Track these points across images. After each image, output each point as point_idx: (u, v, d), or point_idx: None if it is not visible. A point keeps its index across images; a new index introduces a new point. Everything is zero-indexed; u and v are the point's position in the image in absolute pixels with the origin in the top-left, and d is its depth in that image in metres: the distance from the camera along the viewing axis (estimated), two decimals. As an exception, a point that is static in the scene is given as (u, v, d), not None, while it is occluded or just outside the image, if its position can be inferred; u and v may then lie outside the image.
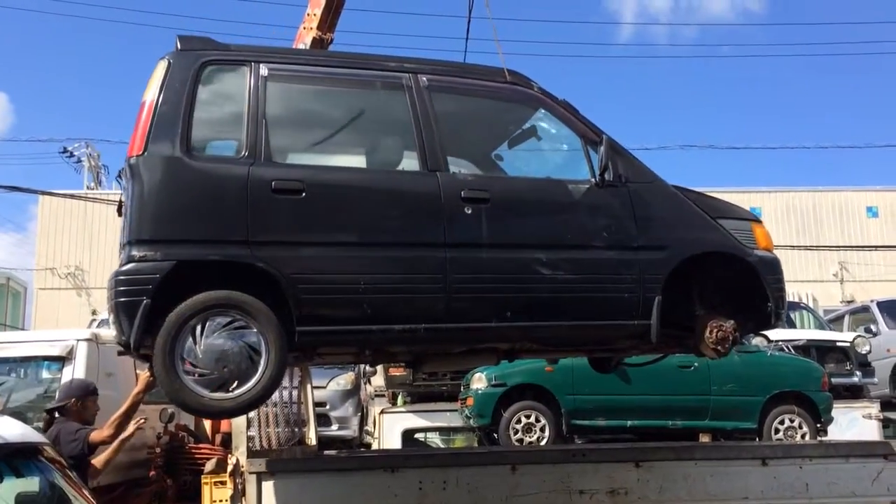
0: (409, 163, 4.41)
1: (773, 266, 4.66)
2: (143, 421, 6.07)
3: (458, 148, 4.68)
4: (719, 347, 4.44)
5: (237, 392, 3.81)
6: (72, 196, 20.97)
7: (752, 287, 4.57)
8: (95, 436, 5.44)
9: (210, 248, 3.87)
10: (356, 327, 4.04)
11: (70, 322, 16.79)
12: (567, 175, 4.56)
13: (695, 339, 4.52)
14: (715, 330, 4.43)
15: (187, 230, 3.87)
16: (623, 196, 4.41)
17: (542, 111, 4.65)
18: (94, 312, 17.22)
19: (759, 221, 4.88)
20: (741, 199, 19.77)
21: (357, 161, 4.79)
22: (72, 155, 25.64)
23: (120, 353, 4.10)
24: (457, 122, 4.67)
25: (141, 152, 3.92)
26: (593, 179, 4.39)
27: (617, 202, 4.40)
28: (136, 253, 3.79)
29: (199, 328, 3.79)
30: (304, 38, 7.27)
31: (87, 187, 24.42)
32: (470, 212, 4.16)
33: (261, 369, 3.82)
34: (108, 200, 18.22)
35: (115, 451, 5.83)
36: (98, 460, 5.72)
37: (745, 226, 4.70)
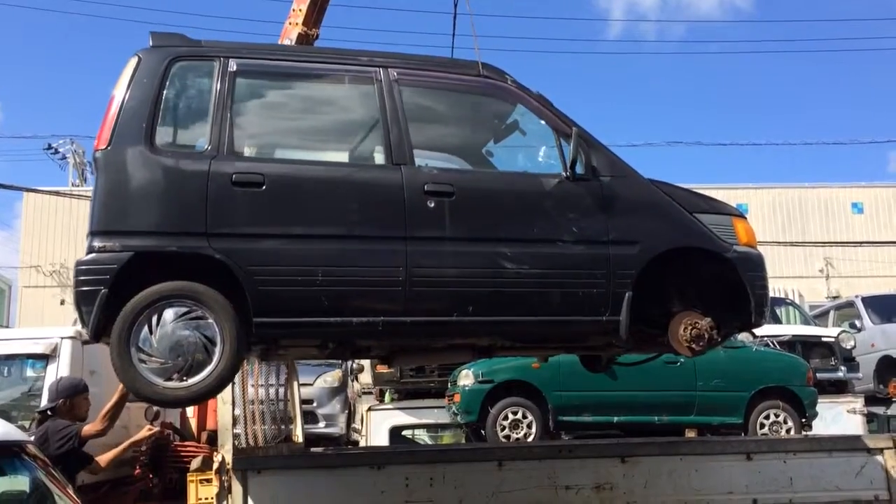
0: (376, 157, 4.42)
1: (754, 263, 4.55)
2: (156, 430, 6.12)
3: (427, 141, 4.68)
4: (693, 345, 4.36)
5: (191, 382, 3.86)
6: (56, 193, 20.84)
7: (732, 284, 4.47)
8: (88, 429, 5.45)
9: (168, 239, 3.94)
10: (313, 319, 4.05)
11: (55, 320, 16.65)
12: (541, 169, 4.54)
13: (669, 337, 4.44)
14: (689, 327, 4.36)
15: (146, 222, 3.94)
16: (594, 190, 4.36)
17: (516, 105, 4.61)
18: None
19: (740, 216, 4.76)
20: (728, 195, 19.78)
21: (324, 155, 4.79)
22: (56, 152, 25.43)
23: (84, 343, 4.09)
24: (426, 116, 4.68)
25: (106, 146, 4.02)
26: (565, 173, 4.35)
27: (587, 196, 4.35)
28: (96, 244, 3.88)
29: (155, 318, 3.85)
30: (290, 34, 7.24)
31: (72, 184, 24.20)
32: (433, 205, 4.15)
33: (216, 360, 3.87)
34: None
35: (123, 450, 5.90)
36: (103, 458, 5.77)
37: (724, 220, 4.59)
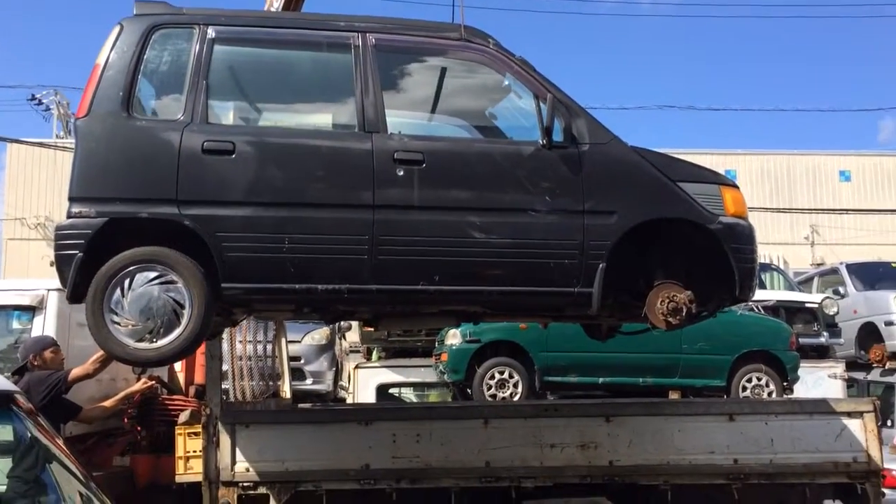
0: (349, 124, 4.40)
1: (741, 234, 4.38)
2: (152, 383, 6.18)
3: (405, 107, 4.68)
4: (670, 319, 4.25)
5: (159, 343, 4.01)
6: (41, 145, 20.54)
7: (717, 257, 4.34)
8: (77, 372, 5.49)
9: (141, 206, 4.07)
10: (279, 286, 4.13)
11: (40, 273, 16.54)
12: (523, 136, 4.47)
13: (646, 309, 4.34)
14: (666, 301, 4.25)
15: (121, 189, 4.07)
16: (572, 158, 4.26)
17: (497, 69, 4.50)
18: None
19: (730, 185, 4.58)
20: (718, 161, 19.88)
21: (299, 123, 4.78)
22: (40, 103, 24.98)
23: (71, 301, 4.17)
24: (404, 82, 4.66)
25: (85, 114, 4.13)
26: (542, 140, 4.25)
27: (564, 164, 4.26)
28: (73, 209, 4.02)
29: (127, 282, 3.99)
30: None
31: (57, 136, 23.85)
32: (402, 173, 4.15)
33: (184, 323, 4.01)
34: (78, 150, 17.87)
35: (118, 402, 5.97)
36: (98, 408, 5.84)
37: (712, 190, 4.43)
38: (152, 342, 3.99)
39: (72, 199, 4.04)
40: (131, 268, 4.00)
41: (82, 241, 3.96)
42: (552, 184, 4.25)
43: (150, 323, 3.98)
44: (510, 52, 4.47)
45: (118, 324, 3.98)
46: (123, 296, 3.97)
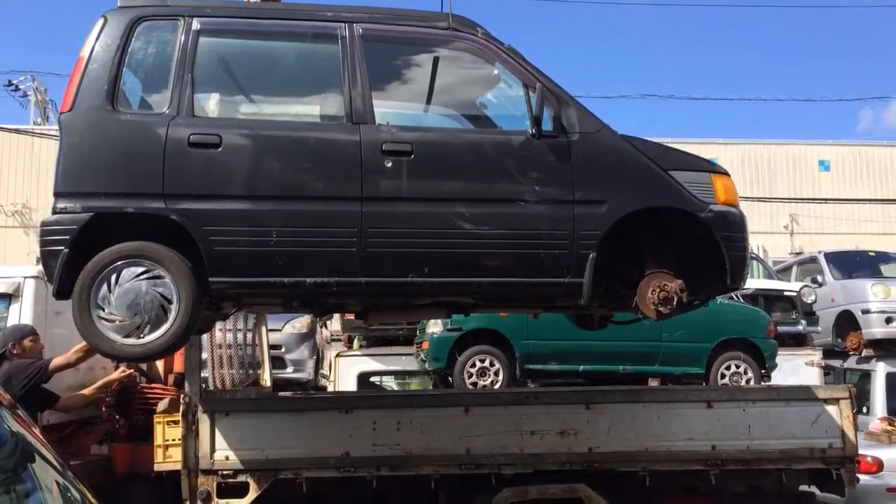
0: (337, 116, 4.36)
1: (732, 223, 4.38)
2: (131, 372, 6.14)
3: (393, 97, 4.64)
4: (661, 308, 4.25)
5: (147, 339, 3.97)
6: (17, 131, 20.27)
7: (708, 245, 4.33)
8: (58, 361, 5.46)
9: (127, 200, 4.02)
10: (267, 279, 4.10)
11: (17, 261, 16.37)
12: (512, 125, 4.45)
13: (637, 298, 4.34)
14: (657, 290, 4.24)
15: (106, 183, 4.03)
16: (561, 147, 4.24)
17: (485, 58, 4.46)
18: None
19: (721, 173, 4.54)
20: (698, 150, 19.72)
21: (286, 114, 4.73)
22: (17, 88, 24.64)
23: (57, 297, 4.13)
24: (391, 72, 4.62)
25: (69, 108, 4.08)
26: (531, 130, 4.23)
27: (553, 154, 4.23)
28: (59, 205, 3.99)
29: (114, 277, 3.95)
30: None
31: (34, 122, 23.53)
32: (390, 165, 4.12)
33: (171, 318, 3.97)
34: (55, 136, 17.65)
35: (97, 389, 5.93)
36: (76, 397, 5.81)
37: (703, 178, 4.42)
38: (140, 338, 3.96)
39: (57, 195, 4.00)
40: (118, 263, 3.95)
41: (68, 237, 3.92)
42: (542, 173, 4.22)
43: (137, 318, 3.95)
44: (499, 41, 4.43)
45: (105, 319, 3.94)
46: (110, 291, 3.93)
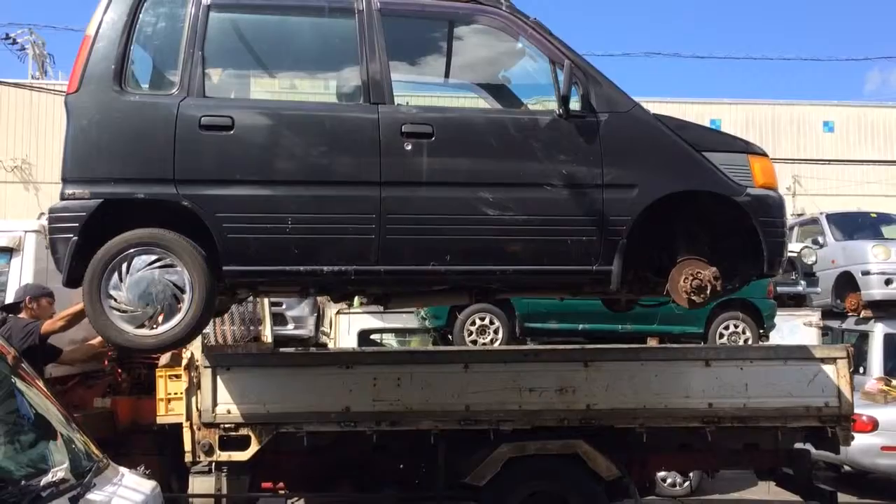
0: (354, 95, 4.21)
1: (770, 207, 4.15)
2: None
3: (413, 75, 4.49)
4: (694, 297, 4.07)
5: (160, 329, 3.85)
6: (16, 85, 20.07)
7: (744, 230, 4.15)
8: (48, 326, 5.46)
9: (137, 186, 3.88)
10: (283, 268, 3.96)
11: (17, 216, 16.36)
12: (537, 104, 4.30)
13: (669, 286, 4.18)
14: (690, 278, 4.06)
15: (116, 169, 3.87)
16: (590, 128, 4.04)
17: (511, 33, 4.24)
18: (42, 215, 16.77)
19: (760, 154, 4.30)
20: (703, 110, 19.81)
21: (301, 95, 4.60)
22: (14, 42, 24.36)
23: (67, 286, 4.06)
24: (412, 48, 4.45)
25: (75, 89, 3.92)
26: (558, 110, 4.02)
27: (581, 135, 4.03)
28: (67, 191, 3.85)
29: (125, 266, 3.82)
30: None
31: (32, 76, 23.31)
32: (410, 147, 3.95)
33: (185, 307, 3.85)
34: (54, 91, 17.49)
35: (100, 343, 5.97)
36: (79, 349, 5.86)
37: (739, 159, 4.19)
38: (152, 328, 3.84)
39: (65, 181, 3.86)
40: (129, 251, 3.82)
41: (77, 225, 3.79)
42: (568, 156, 4.02)
43: (149, 308, 3.82)
44: (524, 15, 4.21)
45: (117, 309, 3.81)
46: (122, 280, 3.80)
